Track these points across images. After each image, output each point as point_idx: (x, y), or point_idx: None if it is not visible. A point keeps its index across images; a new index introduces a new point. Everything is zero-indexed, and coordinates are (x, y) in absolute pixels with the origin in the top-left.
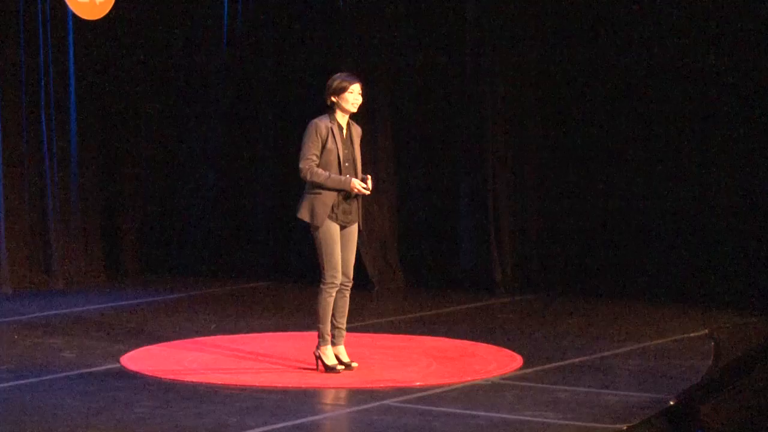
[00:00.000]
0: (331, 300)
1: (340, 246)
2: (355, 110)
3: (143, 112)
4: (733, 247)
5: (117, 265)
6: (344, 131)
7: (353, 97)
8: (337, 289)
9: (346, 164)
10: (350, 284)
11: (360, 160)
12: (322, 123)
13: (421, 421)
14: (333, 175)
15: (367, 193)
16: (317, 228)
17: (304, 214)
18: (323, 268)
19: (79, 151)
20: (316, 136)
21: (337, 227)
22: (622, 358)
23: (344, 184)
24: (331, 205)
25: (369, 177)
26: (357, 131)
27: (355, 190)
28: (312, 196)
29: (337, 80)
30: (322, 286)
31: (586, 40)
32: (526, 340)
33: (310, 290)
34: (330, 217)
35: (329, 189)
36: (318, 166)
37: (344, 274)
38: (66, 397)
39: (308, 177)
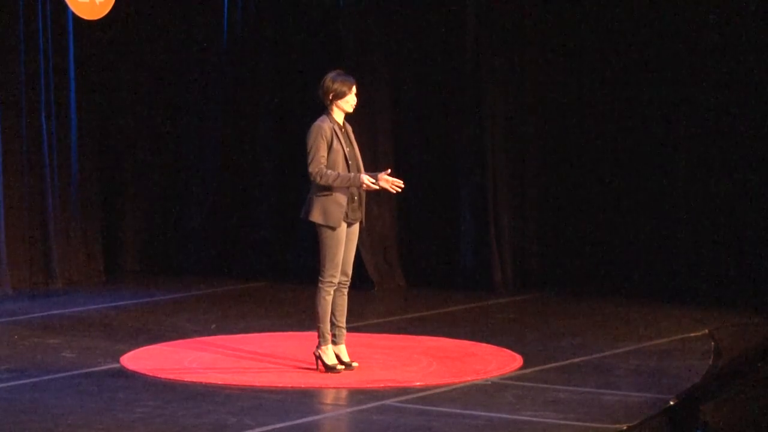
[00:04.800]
0: (330, 299)
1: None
2: (352, 110)
3: (143, 112)
4: (733, 247)
5: (117, 265)
6: (343, 130)
7: (352, 98)
8: (335, 288)
9: (351, 162)
10: (348, 282)
11: (359, 156)
12: (324, 125)
13: (421, 421)
14: (342, 174)
15: (375, 188)
16: (334, 229)
17: (317, 217)
18: (324, 267)
19: (79, 150)
20: (322, 138)
21: (345, 227)
22: (622, 358)
23: (354, 180)
24: (344, 205)
25: (389, 170)
26: (350, 129)
27: (365, 186)
28: (323, 197)
29: (337, 83)
30: (320, 285)
31: (586, 41)
32: (526, 340)
33: (310, 290)
34: (342, 217)
35: (340, 188)
36: (325, 167)
37: (344, 272)
38: (66, 397)
39: (318, 180)
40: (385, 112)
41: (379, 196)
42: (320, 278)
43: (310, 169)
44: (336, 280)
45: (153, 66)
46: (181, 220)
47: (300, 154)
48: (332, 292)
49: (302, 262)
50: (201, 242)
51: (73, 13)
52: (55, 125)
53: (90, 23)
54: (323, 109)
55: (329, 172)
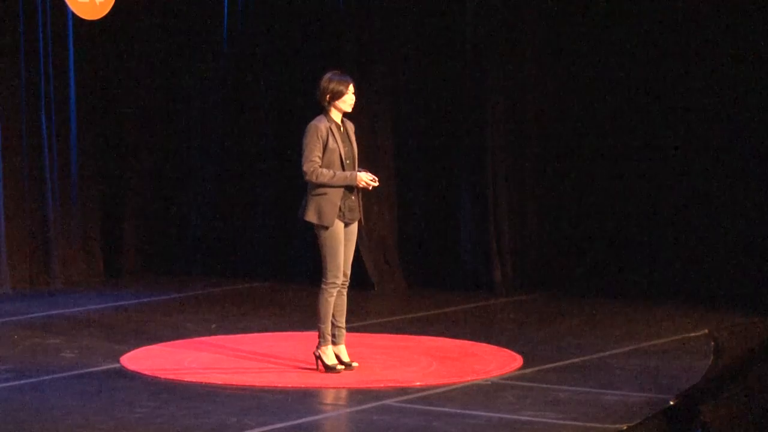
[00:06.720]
0: (332, 300)
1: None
2: (350, 110)
3: (143, 112)
4: (733, 247)
5: (117, 265)
6: (341, 129)
7: (349, 97)
8: (338, 288)
9: (348, 161)
10: (347, 282)
11: (357, 155)
12: (321, 124)
13: (421, 421)
14: (338, 173)
15: (376, 184)
16: (327, 228)
17: (311, 216)
18: (326, 268)
19: (79, 151)
20: (317, 138)
21: (342, 226)
22: (622, 358)
23: (351, 179)
24: (338, 204)
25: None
26: (351, 127)
27: (362, 184)
28: (318, 197)
29: (333, 83)
30: (323, 285)
31: (585, 41)
32: (526, 340)
33: (310, 290)
34: (338, 217)
35: (336, 187)
36: (320, 166)
37: (342, 272)
38: (66, 397)
39: (314, 179)
40: (385, 113)
41: (378, 196)
42: (323, 279)
43: (304, 168)
44: (339, 281)
45: (153, 66)
46: (181, 221)
47: (300, 153)
48: (335, 293)
49: (302, 262)
50: (201, 242)
51: (73, 13)
52: (55, 125)
53: (90, 23)
54: (322, 109)
55: (324, 171)
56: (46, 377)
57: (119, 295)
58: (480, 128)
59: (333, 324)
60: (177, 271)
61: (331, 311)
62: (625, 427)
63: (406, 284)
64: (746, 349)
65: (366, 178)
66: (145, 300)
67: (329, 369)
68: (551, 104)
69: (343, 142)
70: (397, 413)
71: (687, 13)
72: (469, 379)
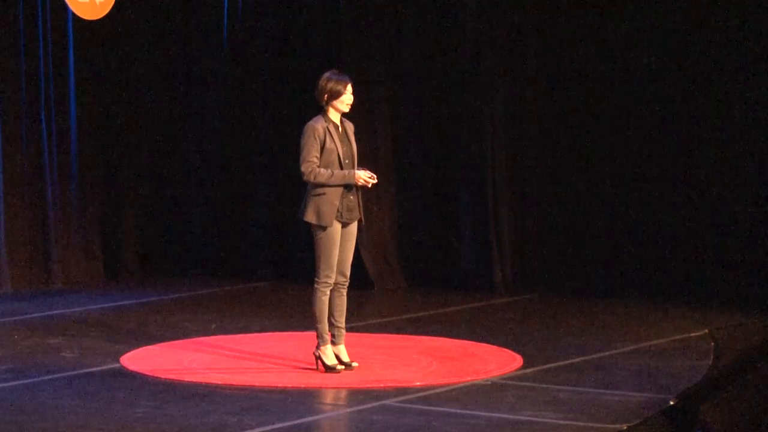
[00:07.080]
0: (326, 299)
1: (340, 244)
2: (348, 110)
3: (143, 112)
4: (734, 247)
5: (117, 265)
6: (340, 129)
7: (347, 97)
8: (330, 288)
9: (347, 161)
10: (347, 283)
11: (356, 155)
12: (318, 124)
13: (421, 421)
14: (336, 172)
15: (374, 181)
16: (324, 228)
17: (310, 217)
18: (319, 267)
19: (78, 151)
20: (315, 138)
21: (340, 227)
22: (622, 358)
23: (349, 177)
24: (337, 203)
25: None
26: (350, 127)
27: (361, 182)
28: (317, 197)
29: (331, 82)
30: (315, 285)
31: (585, 40)
32: (526, 340)
33: (310, 290)
34: (336, 217)
35: (334, 186)
36: (318, 167)
37: (341, 272)
38: (66, 397)
39: (312, 179)
40: (385, 112)
41: (378, 196)
42: (316, 279)
43: (302, 169)
44: (331, 280)
45: (153, 66)
46: (181, 220)
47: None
48: (328, 292)
49: (302, 262)
50: (201, 242)
51: (73, 13)
52: (55, 125)
53: (90, 23)
54: (320, 109)
55: (322, 170)
56: (46, 377)
57: (119, 295)
58: (480, 128)
59: (332, 324)
60: (177, 271)
61: (326, 310)
62: (625, 427)
63: (406, 284)
64: (746, 349)
65: (364, 176)
66: (145, 300)
67: (329, 369)
68: (551, 104)
69: (341, 141)
70: (397, 413)
71: (687, 15)
72: (469, 379)
